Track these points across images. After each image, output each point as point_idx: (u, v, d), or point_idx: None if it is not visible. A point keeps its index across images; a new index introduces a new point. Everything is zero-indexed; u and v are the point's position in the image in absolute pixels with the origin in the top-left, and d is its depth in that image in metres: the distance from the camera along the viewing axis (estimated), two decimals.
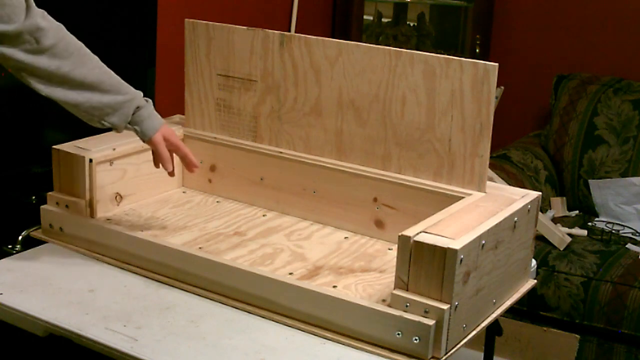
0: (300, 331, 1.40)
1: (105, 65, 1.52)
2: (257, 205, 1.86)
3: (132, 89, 1.55)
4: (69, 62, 1.45)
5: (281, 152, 1.81)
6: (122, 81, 1.53)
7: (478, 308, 1.42)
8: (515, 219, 1.49)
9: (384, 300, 1.42)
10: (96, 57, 1.50)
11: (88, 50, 1.50)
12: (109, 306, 1.45)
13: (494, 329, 1.74)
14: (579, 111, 3.07)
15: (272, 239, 1.70)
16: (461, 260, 1.30)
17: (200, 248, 1.63)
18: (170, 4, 2.46)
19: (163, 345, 1.34)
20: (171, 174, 1.63)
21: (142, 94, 1.56)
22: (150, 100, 1.58)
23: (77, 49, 1.48)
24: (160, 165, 1.62)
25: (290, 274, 1.55)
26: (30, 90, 1.47)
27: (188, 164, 1.64)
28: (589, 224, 2.91)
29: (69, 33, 1.48)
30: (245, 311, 1.45)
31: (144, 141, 1.59)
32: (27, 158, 1.93)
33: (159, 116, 1.60)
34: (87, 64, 1.48)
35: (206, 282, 1.50)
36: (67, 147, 1.69)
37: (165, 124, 1.61)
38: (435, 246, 1.30)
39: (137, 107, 1.54)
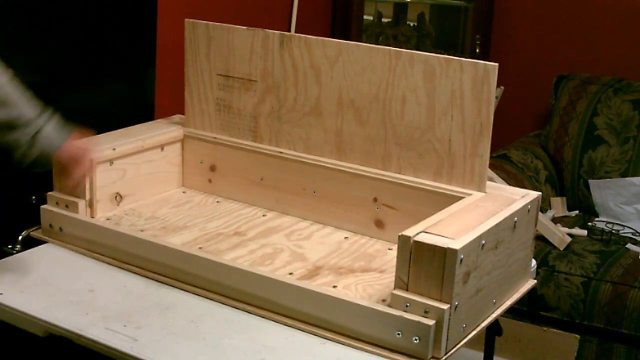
0: (300, 331, 1.40)
1: (15, 82, 1.44)
2: (257, 205, 1.86)
3: (38, 109, 1.45)
4: None
5: (281, 152, 1.81)
6: (29, 99, 1.45)
7: (478, 308, 1.42)
8: (515, 219, 1.49)
9: (384, 300, 1.42)
10: (8, 74, 1.42)
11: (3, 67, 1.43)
12: (109, 306, 1.45)
13: (494, 329, 1.74)
14: (579, 111, 3.06)
15: (272, 239, 1.70)
16: (461, 260, 1.30)
17: (200, 248, 1.63)
18: (170, 4, 2.46)
19: (163, 345, 1.34)
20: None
21: (47, 114, 1.47)
22: (54, 118, 1.48)
23: None
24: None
25: (290, 274, 1.55)
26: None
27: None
28: (589, 224, 2.91)
29: None
30: (245, 311, 1.45)
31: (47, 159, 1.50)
32: None
33: (64, 135, 1.50)
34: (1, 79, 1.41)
35: (206, 282, 1.50)
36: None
37: (73, 142, 1.52)
38: (435, 246, 1.30)
39: (40, 128, 1.45)
